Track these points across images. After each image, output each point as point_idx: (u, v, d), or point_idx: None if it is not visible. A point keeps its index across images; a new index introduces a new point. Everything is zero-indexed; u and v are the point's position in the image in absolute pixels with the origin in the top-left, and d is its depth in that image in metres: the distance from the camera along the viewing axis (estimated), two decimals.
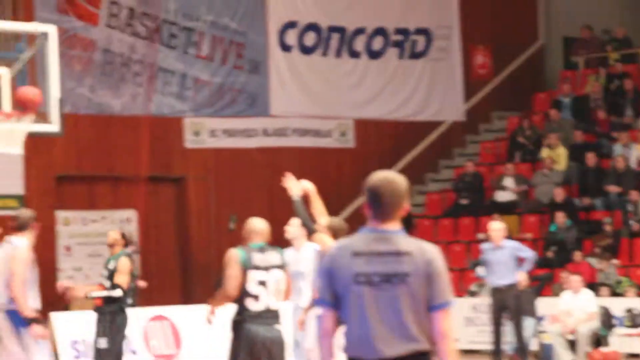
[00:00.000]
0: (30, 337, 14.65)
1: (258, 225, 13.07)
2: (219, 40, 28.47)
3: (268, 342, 12.46)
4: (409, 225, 27.99)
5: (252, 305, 12.39)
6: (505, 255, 21.32)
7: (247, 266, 12.61)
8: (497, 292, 22.13)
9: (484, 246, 21.90)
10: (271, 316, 12.59)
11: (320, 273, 7.24)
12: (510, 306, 21.53)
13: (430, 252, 6.99)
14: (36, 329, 14.68)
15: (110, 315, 16.83)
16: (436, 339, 6.94)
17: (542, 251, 26.61)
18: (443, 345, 6.94)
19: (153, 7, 27.67)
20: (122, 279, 16.48)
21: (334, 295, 7.05)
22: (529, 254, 21.96)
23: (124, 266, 16.55)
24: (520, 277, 21.43)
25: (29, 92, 16.44)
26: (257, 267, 12.59)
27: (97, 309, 16.99)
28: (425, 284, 6.92)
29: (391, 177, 7.15)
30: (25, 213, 15.25)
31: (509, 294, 21.45)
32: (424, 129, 31.00)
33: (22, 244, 14.51)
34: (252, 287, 12.52)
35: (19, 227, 14.74)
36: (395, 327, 6.94)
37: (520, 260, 21.62)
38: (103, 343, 16.72)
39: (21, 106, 16.52)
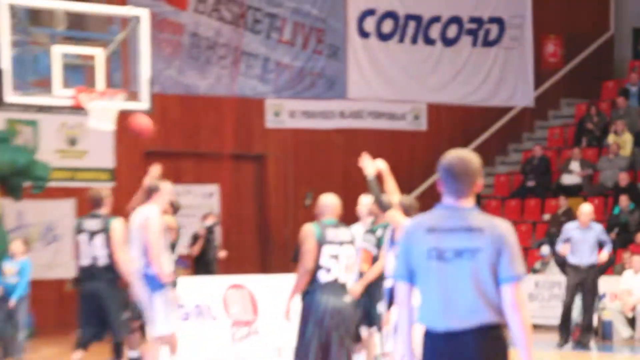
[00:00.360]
0: (164, 301, 14.91)
1: (331, 201, 13.12)
2: (300, 26, 28.54)
3: (336, 312, 12.45)
4: (478, 202, 28.09)
5: (323, 276, 12.41)
6: (590, 237, 21.17)
7: (321, 241, 12.64)
8: (577, 270, 22.09)
9: (569, 226, 21.72)
10: (340, 287, 12.57)
11: (398, 248, 7.20)
12: (587, 285, 21.45)
13: (501, 228, 6.95)
14: (171, 293, 15.01)
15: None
16: (508, 312, 6.88)
17: (607, 230, 26.62)
18: (515, 317, 6.87)
19: None
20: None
21: (409, 269, 7.02)
22: (608, 238, 21.75)
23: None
24: (602, 259, 21.44)
25: (142, 121, 16.61)
26: (330, 242, 12.62)
27: None
28: (497, 258, 6.87)
29: (465, 156, 7.10)
30: (162, 184, 15.51)
31: (589, 274, 21.33)
32: (495, 114, 30.98)
33: (152, 212, 14.74)
34: (324, 260, 12.53)
35: (150, 192, 15.05)
36: (466, 301, 6.89)
37: (599, 244, 21.40)
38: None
39: (136, 133, 16.78)
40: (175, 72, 26.90)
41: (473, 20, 30.69)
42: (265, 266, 26.11)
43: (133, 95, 17.79)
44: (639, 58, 32.43)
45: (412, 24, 29.95)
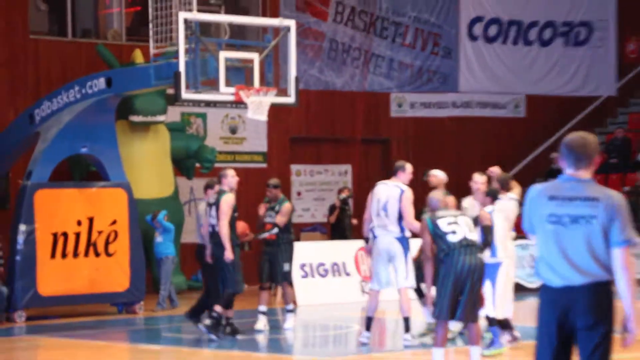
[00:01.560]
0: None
1: (437, 196, 12.50)
2: (420, 31, 28.47)
3: (472, 268, 11.77)
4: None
5: (451, 238, 11.78)
6: None
7: (435, 231, 12.07)
8: None
9: None
10: (471, 245, 11.89)
11: (525, 212, 6.98)
12: None
13: (615, 198, 6.73)
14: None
15: (285, 246, 17.00)
16: (617, 271, 6.64)
17: None
18: (623, 276, 6.63)
19: (369, 6, 27.70)
20: (281, 219, 16.56)
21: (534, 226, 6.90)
22: None
23: (286, 209, 16.77)
24: None
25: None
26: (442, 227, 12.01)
27: (273, 242, 16.97)
28: (609, 225, 6.64)
29: (584, 135, 6.89)
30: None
31: None
32: (583, 103, 30.60)
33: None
34: (444, 227, 11.91)
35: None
36: (578, 261, 6.69)
37: None
38: (287, 267, 16.97)
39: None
40: (317, 72, 26.86)
41: (565, 24, 30.43)
42: None
43: (283, 92, 17.91)
44: None
45: (513, 28, 29.73)
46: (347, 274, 21.65)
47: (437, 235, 12.02)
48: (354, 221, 24.67)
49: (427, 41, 28.63)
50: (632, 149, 29.10)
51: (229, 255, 15.44)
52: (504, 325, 13.68)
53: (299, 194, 27.03)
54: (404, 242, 14.60)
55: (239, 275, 15.74)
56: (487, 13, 29.34)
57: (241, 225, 16.74)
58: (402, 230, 14.56)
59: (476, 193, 14.86)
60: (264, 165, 26.28)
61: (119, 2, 25.27)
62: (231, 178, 15.97)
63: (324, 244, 23.06)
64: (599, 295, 6.70)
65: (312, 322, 18.95)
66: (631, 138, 29.40)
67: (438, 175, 15.59)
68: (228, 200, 15.50)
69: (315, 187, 27.37)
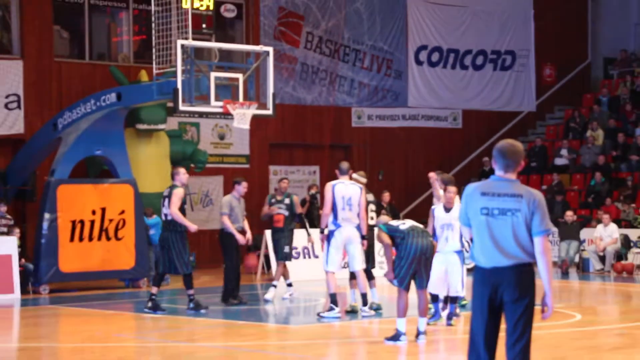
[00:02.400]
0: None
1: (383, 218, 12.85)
2: (375, 57, 28.44)
3: (424, 249, 11.67)
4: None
5: (402, 227, 11.75)
6: None
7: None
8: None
9: None
10: (420, 230, 11.87)
11: (462, 206, 6.98)
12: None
13: (536, 195, 6.78)
14: None
15: (289, 232, 17.58)
16: (537, 256, 6.72)
17: (585, 198, 26.62)
18: (543, 259, 6.71)
19: (334, 36, 27.62)
20: (300, 209, 16.55)
21: (469, 219, 6.88)
22: None
23: (297, 201, 17.12)
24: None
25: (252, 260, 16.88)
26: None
27: (280, 228, 17.53)
28: (530, 217, 6.71)
29: (514, 143, 6.91)
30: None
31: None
32: (509, 116, 30.73)
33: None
34: (394, 223, 12.12)
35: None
36: (506, 246, 6.73)
37: None
38: (287, 249, 17.45)
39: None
40: (291, 89, 26.81)
41: (494, 52, 30.49)
42: None
43: (262, 105, 17.75)
44: (607, 78, 32.22)
45: (452, 55, 29.75)
46: (316, 256, 21.50)
47: (392, 230, 11.89)
48: (321, 212, 24.66)
49: (381, 65, 28.59)
50: (548, 154, 29.25)
51: (192, 227, 15.54)
52: (453, 300, 13.57)
53: (275, 189, 26.76)
54: (359, 230, 14.48)
55: (187, 258, 15.44)
56: (430, 42, 29.36)
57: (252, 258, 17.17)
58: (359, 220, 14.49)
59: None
60: (247, 166, 26.20)
61: (128, 31, 25.25)
62: (182, 175, 15.71)
63: (296, 232, 22.90)
64: (523, 275, 6.74)
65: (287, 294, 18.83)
66: (547, 146, 29.63)
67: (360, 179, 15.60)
68: (178, 193, 15.28)
69: (290, 184, 26.95)
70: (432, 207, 13.74)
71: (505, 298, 6.74)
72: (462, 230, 7.13)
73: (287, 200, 17.60)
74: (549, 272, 6.80)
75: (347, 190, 14.59)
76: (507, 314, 6.77)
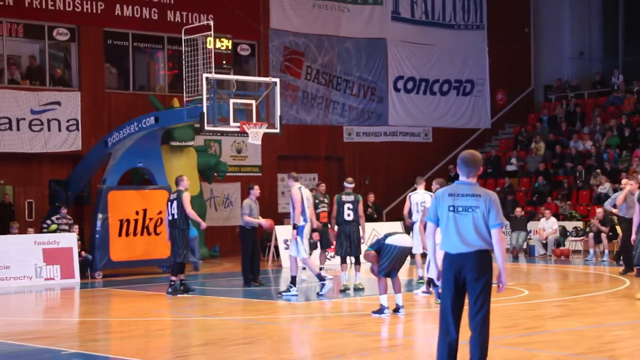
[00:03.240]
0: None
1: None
2: (362, 85, 28.40)
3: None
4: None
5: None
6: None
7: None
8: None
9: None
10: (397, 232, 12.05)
11: (432, 204, 6.99)
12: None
13: (491, 195, 6.84)
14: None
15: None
16: (494, 244, 6.76)
17: (530, 197, 26.59)
18: (498, 247, 6.77)
19: (329, 69, 27.60)
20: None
21: (437, 216, 6.90)
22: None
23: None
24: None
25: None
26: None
27: (325, 223, 17.05)
28: (487, 213, 6.75)
29: (473, 152, 6.97)
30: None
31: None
32: (470, 132, 30.68)
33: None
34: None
35: None
36: (469, 236, 6.76)
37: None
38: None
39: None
40: (294, 112, 26.77)
41: (457, 81, 30.49)
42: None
43: (271, 125, 17.68)
44: (547, 101, 32.17)
45: (423, 84, 29.70)
46: (316, 247, 21.45)
47: (375, 244, 11.89)
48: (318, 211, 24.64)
49: (367, 92, 28.58)
50: (501, 162, 29.27)
51: (203, 224, 15.67)
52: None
53: (282, 193, 26.89)
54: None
55: (185, 250, 15.26)
56: (406, 74, 29.39)
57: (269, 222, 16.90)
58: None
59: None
60: (260, 174, 26.20)
61: (164, 67, 25.28)
62: (186, 181, 15.51)
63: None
64: (481, 259, 6.78)
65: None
66: (500, 156, 29.68)
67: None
68: (187, 196, 15.07)
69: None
70: (409, 193, 14.12)
71: (467, 278, 6.75)
72: (428, 225, 7.02)
73: (327, 200, 17.58)
74: (503, 256, 6.85)
75: (349, 199, 15.31)
76: (470, 291, 6.78)
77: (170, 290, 15.24)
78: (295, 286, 14.39)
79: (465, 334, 6.91)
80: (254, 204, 16.42)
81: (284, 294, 14.39)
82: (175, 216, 15.19)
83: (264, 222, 16.52)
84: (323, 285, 14.22)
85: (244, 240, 16.42)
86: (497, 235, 6.76)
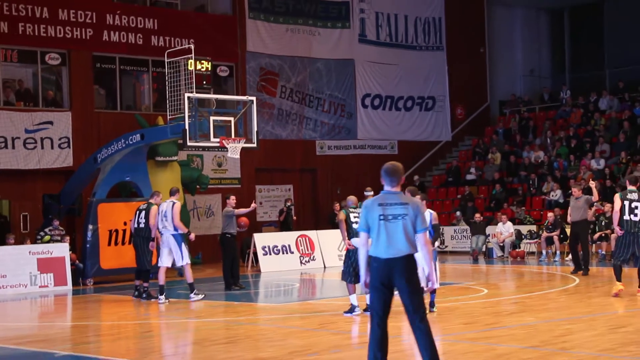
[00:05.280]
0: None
1: (352, 197, 12.38)
2: (332, 103, 28.34)
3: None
4: (423, 189, 28.12)
5: (355, 226, 11.14)
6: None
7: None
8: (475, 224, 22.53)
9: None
10: None
11: (362, 215, 6.87)
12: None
13: (417, 203, 6.86)
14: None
15: None
16: (420, 247, 6.76)
17: (489, 203, 26.71)
18: (424, 250, 6.78)
19: (302, 88, 27.54)
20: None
21: (368, 225, 6.82)
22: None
23: None
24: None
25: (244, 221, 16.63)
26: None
27: None
28: (415, 219, 6.75)
29: (394, 163, 6.93)
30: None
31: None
32: (431, 145, 30.75)
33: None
34: (353, 219, 11.71)
35: None
36: (397, 242, 6.71)
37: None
38: None
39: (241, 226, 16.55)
40: (270, 128, 26.67)
41: (419, 97, 30.55)
42: (317, 226, 25.82)
43: (249, 140, 17.67)
44: (502, 115, 32.29)
45: (389, 100, 29.73)
46: (291, 252, 21.44)
47: (349, 225, 11.80)
48: (295, 218, 24.65)
49: (337, 109, 28.60)
50: (461, 172, 29.38)
51: (192, 235, 15.70)
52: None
53: (260, 203, 26.82)
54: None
55: (149, 257, 15.27)
56: (372, 91, 29.46)
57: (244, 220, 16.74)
58: None
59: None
60: (239, 186, 26.11)
61: (149, 88, 25.21)
62: (157, 197, 15.30)
63: (276, 234, 22.90)
64: (408, 263, 6.75)
65: (269, 282, 18.77)
66: (460, 166, 29.79)
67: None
68: (178, 207, 14.68)
69: (271, 198, 27.15)
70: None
71: (397, 281, 6.72)
72: (360, 235, 6.87)
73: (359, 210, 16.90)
74: (430, 257, 6.85)
75: None
76: (402, 292, 6.75)
77: (136, 293, 15.31)
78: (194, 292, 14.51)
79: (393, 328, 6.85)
80: (232, 210, 16.39)
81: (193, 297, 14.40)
82: (142, 225, 15.06)
83: (247, 209, 16.56)
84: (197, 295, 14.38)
85: (225, 247, 16.36)
86: (423, 238, 6.74)
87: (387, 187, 6.88)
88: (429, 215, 11.59)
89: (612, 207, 14.15)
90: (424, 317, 6.76)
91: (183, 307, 14.10)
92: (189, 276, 14.71)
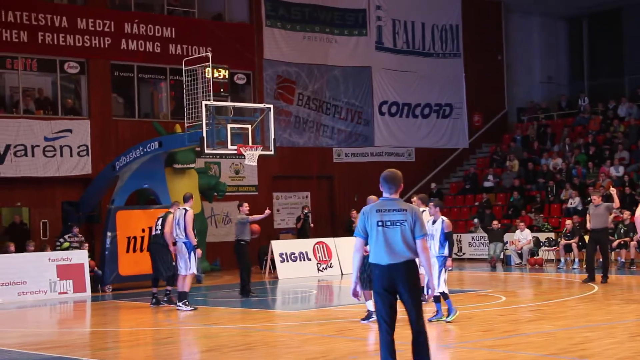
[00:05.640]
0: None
1: (373, 196, 11.57)
2: (349, 110, 28.40)
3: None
4: (441, 197, 28.11)
5: None
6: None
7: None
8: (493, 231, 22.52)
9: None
10: None
11: (360, 220, 6.86)
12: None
13: (415, 209, 6.83)
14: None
15: None
16: (419, 253, 6.73)
17: (506, 210, 26.64)
18: (423, 255, 6.75)
19: (319, 95, 27.63)
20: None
21: (366, 231, 6.83)
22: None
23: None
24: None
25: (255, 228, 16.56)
26: None
27: None
28: (414, 225, 6.73)
29: (393, 171, 6.91)
30: None
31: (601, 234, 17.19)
32: (449, 152, 30.74)
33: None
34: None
35: None
36: (396, 248, 6.72)
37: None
38: None
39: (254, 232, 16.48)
40: (287, 135, 26.73)
41: (437, 105, 30.55)
42: (334, 233, 25.89)
43: (266, 148, 17.73)
44: (520, 122, 32.30)
45: (406, 108, 29.73)
46: (309, 259, 21.46)
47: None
48: (312, 225, 24.69)
49: (354, 116, 28.61)
50: (479, 179, 29.33)
51: (199, 251, 14.85)
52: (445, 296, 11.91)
53: (278, 210, 26.87)
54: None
55: (167, 264, 15.39)
56: (389, 98, 29.45)
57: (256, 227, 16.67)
58: None
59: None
60: (256, 193, 26.16)
61: (166, 95, 25.32)
62: (176, 207, 15.29)
63: (294, 241, 22.92)
64: (410, 268, 6.75)
65: (287, 289, 18.80)
66: (478, 173, 29.73)
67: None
68: (190, 215, 14.57)
69: (288, 206, 27.19)
70: None
71: (400, 286, 6.72)
72: (356, 240, 6.88)
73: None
74: (429, 264, 6.83)
75: None
76: (403, 297, 6.76)
77: (165, 299, 15.37)
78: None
79: (400, 335, 6.89)
80: (246, 217, 16.38)
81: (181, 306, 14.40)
82: (158, 232, 15.19)
83: (264, 215, 16.55)
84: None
85: (240, 254, 16.32)
86: (422, 244, 6.72)
87: (385, 194, 6.89)
88: (441, 222, 11.52)
89: (634, 214, 14.02)
90: (422, 330, 6.78)
91: (201, 314, 14.14)
92: (187, 285, 14.66)
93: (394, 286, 6.75)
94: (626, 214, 21.49)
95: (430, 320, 11.23)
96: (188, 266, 14.56)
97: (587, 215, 17.66)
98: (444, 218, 11.66)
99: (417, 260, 6.83)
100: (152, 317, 14.00)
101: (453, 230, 11.89)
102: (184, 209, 14.68)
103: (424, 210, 12.02)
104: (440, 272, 11.53)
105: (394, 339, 6.83)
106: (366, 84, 28.83)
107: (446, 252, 11.56)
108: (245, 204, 16.56)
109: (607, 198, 19.19)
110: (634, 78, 31.39)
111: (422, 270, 7.12)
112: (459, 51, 31.02)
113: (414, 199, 13.77)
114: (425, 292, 7.04)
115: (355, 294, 6.90)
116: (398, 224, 6.73)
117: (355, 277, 6.89)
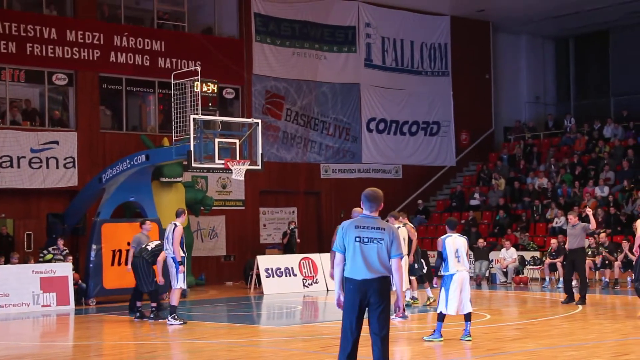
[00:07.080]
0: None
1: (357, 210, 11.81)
2: (337, 126, 28.39)
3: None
4: (427, 214, 28.10)
5: None
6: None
7: None
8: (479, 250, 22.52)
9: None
10: None
11: (339, 236, 6.96)
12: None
13: (393, 229, 6.96)
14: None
15: (416, 254, 16.15)
16: (393, 271, 6.86)
17: (492, 229, 26.69)
18: (396, 274, 6.89)
19: (307, 111, 27.58)
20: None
21: (344, 246, 6.90)
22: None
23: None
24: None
25: None
26: None
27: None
28: (390, 244, 6.86)
29: (375, 189, 7.01)
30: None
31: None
32: (436, 170, 30.75)
33: None
34: None
35: None
36: (372, 264, 6.81)
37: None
38: (416, 266, 16.21)
39: None
40: (275, 151, 26.64)
41: (424, 122, 30.57)
42: (320, 249, 25.77)
43: (254, 162, 17.73)
44: (506, 141, 32.37)
45: (394, 125, 29.73)
46: (294, 275, 21.43)
47: None
48: (298, 241, 24.65)
49: (342, 132, 28.61)
50: (465, 197, 29.36)
51: (182, 267, 14.59)
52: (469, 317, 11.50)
53: (264, 225, 26.79)
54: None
55: (149, 279, 15.36)
56: (377, 115, 29.46)
57: None
58: None
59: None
60: (243, 208, 26.11)
61: (154, 109, 25.27)
62: (148, 225, 15.41)
63: (280, 256, 22.88)
64: (383, 285, 6.86)
65: (272, 304, 18.72)
66: (464, 191, 29.74)
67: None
68: (179, 231, 14.42)
69: (275, 221, 27.08)
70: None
71: (371, 301, 6.81)
72: (336, 255, 6.95)
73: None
74: (401, 284, 7.01)
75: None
76: (372, 313, 6.85)
77: (152, 316, 15.23)
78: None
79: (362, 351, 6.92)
80: (145, 237, 16.00)
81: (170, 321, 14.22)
82: (150, 246, 15.33)
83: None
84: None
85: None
86: (397, 263, 6.86)
87: (365, 212, 6.99)
88: (441, 242, 11.47)
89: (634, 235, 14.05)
90: (387, 344, 6.83)
91: (185, 329, 14.07)
92: (175, 299, 14.57)
93: (366, 299, 6.83)
94: (602, 236, 21.61)
95: (424, 339, 10.96)
96: (176, 280, 14.50)
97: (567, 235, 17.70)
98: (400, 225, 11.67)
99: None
100: (136, 331, 13.91)
101: (439, 248, 11.80)
102: (174, 223, 14.60)
103: (399, 227, 12.08)
104: (447, 290, 11.17)
105: (356, 351, 6.87)
106: (354, 100, 28.89)
107: (450, 269, 11.34)
108: (148, 222, 16.38)
109: (585, 219, 19.24)
110: (620, 99, 31.61)
111: (394, 288, 7.20)
112: (447, 69, 31.16)
113: (389, 217, 13.76)
114: (393, 311, 7.10)
115: (339, 304, 6.94)
116: (375, 241, 6.83)
117: (338, 289, 6.96)
